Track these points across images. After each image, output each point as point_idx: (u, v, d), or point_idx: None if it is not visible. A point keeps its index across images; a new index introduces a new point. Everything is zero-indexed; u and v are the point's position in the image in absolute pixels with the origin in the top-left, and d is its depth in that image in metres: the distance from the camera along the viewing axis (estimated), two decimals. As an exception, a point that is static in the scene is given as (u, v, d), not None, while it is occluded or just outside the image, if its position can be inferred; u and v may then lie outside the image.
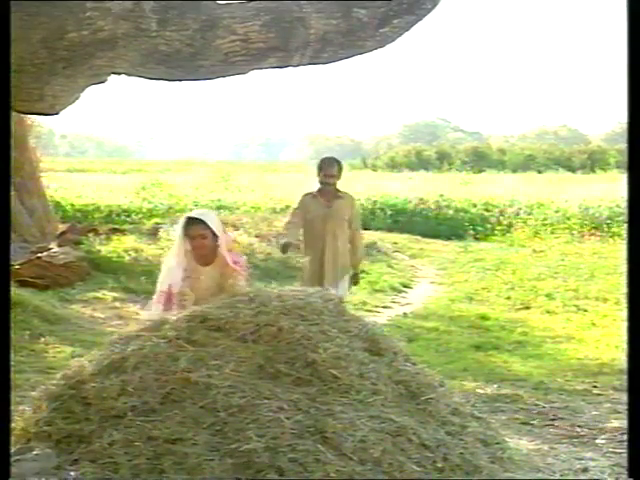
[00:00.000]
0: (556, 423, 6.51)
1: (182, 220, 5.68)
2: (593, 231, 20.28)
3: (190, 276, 5.64)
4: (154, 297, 5.74)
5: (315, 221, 8.14)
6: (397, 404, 4.26)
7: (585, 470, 5.20)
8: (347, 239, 8.17)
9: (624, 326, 10.34)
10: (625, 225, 19.87)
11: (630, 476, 3.43)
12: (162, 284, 5.70)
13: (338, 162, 8.31)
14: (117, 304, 10.97)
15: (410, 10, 6.31)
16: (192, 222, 5.60)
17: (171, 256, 5.75)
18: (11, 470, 3.65)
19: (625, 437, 5.84)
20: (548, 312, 11.72)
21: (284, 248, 8.16)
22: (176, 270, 5.62)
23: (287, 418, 3.96)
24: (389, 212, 22.75)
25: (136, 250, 13.44)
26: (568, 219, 21.25)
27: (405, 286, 14.32)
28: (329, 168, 8.16)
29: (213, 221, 5.65)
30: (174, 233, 5.99)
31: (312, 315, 4.61)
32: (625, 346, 9.03)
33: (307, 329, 4.47)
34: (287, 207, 21.30)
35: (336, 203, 8.16)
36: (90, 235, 14.19)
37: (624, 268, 14.87)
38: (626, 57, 3.48)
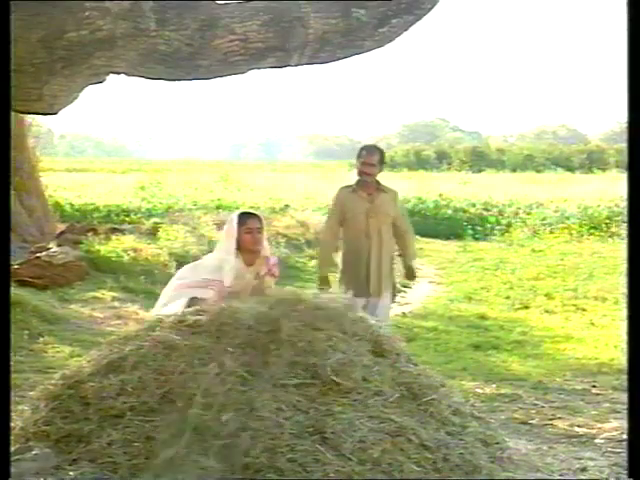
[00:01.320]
0: (555, 423, 6.51)
1: (235, 216, 5.75)
2: (592, 231, 20.28)
3: (238, 274, 5.65)
4: (202, 283, 5.63)
5: (357, 218, 7.09)
6: (398, 405, 4.26)
7: (584, 470, 5.19)
8: (392, 240, 7.23)
9: (623, 326, 10.38)
10: (625, 224, 19.92)
11: (630, 476, 3.43)
12: (214, 274, 5.62)
13: (380, 150, 7.33)
14: (116, 304, 10.95)
15: (409, 10, 6.31)
16: (250, 216, 5.78)
17: (225, 252, 5.70)
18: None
19: (624, 437, 5.85)
20: (547, 312, 11.72)
21: (322, 284, 7.23)
22: (229, 266, 5.61)
23: (286, 419, 3.96)
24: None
25: (135, 250, 13.41)
26: (567, 219, 21.25)
27: (404, 286, 14.26)
28: (369, 156, 7.11)
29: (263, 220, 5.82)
30: (225, 230, 5.93)
31: (319, 320, 4.58)
32: (624, 346, 9.06)
33: (312, 335, 4.45)
34: (286, 207, 21.38)
35: (379, 197, 7.14)
36: (89, 235, 14.15)
37: (623, 268, 14.95)
38: (626, 57, 3.47)
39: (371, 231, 7.07)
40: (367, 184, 7.13)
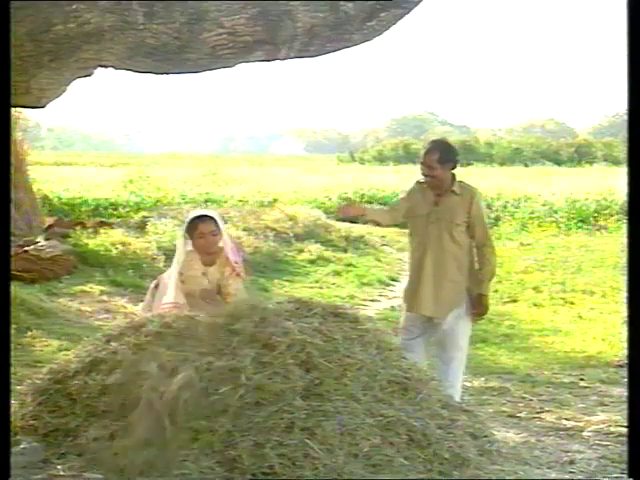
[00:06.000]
0: (543, 415, 6.53)
1: (187, 220, 5.66)
2: (580, 224, 20.34)
3: (196, 277, 5.60)
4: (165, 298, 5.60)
5: (418, 221, 6.07)
6: (389, 399, 4.26)
7: (572, 462, 5.21)
8: (461, 253, 6.00)
9: (611, 319, 10.41)
10: (612, 218, 20.01)
11: (630, 476, 3.43)
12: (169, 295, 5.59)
13: (442, 147, 6.12)
14: (104, 297, 10.92)
15: (397, 3, 6.31)
16: (202, 219, 5.57)
17: (177, 259, 5.68)
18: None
19: (611, 429, 5.89)
20: (535, 305, 11.75)
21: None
22: (169, 288, 5.57)
23: (275, 412, 3.95)
24: (377, 205, 22.71)
25: (123, 243, 13.38)
26: (555, 212, 21.31)
27: (393, 279, 14.30)
28: (425, 155, 6.05)
29: (220, 219, 5.68)
30: (179, 236, 5.90)
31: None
32: (612, 339, 9.10)
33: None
34: (275, 200, 21.34)
35: (447, 200, 5.97)
36: (77, 228, 14.11)
37: (611, 261, 14.92)
38: (626, 53, 3.45)
39: (427, 239, 5.97)
40: (434, 184, 6.03)
